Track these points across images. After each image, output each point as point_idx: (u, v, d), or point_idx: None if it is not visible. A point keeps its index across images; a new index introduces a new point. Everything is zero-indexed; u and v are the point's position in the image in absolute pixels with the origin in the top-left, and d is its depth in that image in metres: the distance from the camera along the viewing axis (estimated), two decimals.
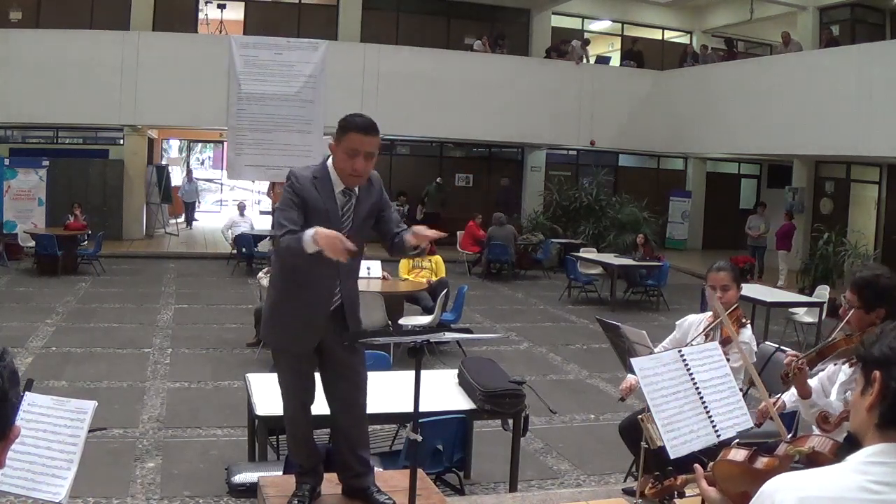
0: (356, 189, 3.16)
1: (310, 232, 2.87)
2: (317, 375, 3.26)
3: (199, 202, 22.55)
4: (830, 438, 1.92)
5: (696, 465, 2.02)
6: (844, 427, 2.72)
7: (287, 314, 3.15)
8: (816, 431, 2.82)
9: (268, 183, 16.23)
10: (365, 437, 3.35)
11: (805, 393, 3.12)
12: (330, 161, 3.16)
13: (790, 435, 3.71)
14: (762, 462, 1.89)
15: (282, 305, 3.18)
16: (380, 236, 3.35)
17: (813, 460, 1.81)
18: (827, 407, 3.04)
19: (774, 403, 3.36)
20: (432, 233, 3.15)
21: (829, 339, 3.14)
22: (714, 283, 4.01)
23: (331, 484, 3.37)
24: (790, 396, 3.32)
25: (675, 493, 2.45)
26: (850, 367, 3.05)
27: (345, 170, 3.07)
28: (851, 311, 3.07)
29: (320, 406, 3.28)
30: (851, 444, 1.51)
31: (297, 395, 3.21)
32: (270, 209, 15.21)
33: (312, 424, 3.34)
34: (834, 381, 3.18)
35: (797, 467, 1.73)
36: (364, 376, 3.26)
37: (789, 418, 4.09)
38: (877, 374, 1.42)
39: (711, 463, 2.01)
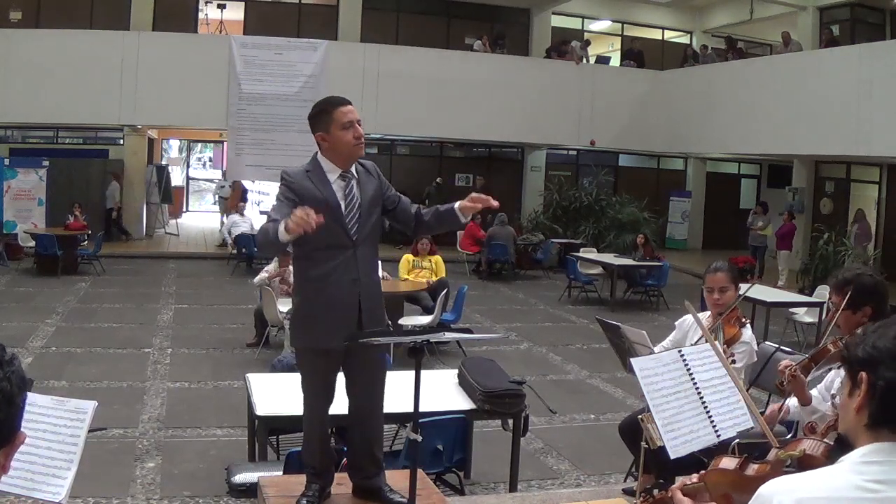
0: (354, 172, 3.19)
1: (284, 221, 2.87)
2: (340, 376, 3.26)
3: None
4: (822, 441, 1.91)
5: (677, 478, 2.01)
6: (833, 436, 2.70)
7: (310, 314, 3.17)
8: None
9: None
10: (380, 439, 3.38)
11: (805, 400, 3.10)
12: (319, 154, 3.19)
13: (790, 435, 3.70)
14: (754, 469, 1.88)
15: (304, 306, 3.21)
16: (400, 222, 3.39)
17: (805, 464, 1.80)
18: (828, 412, 3.03)
19: (780, 408, 3.36)
20: (486, 198, 3.15)
21: (820, 345, 3.13)
22: (712, 284, 3.95)
23: (335, 485, 3.36)
24: (795, 401, 3.31)
25: None
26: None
27: (349, 143, 3.11)
28: (838, 314, 3.06)
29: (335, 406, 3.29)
30: (843, 445, 1.51)
31: (317, 396, 3.20)
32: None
33: (328, 426, 3.35)
34: (831, 388, 3.16)
35: (789, 471, 1.73)
36: (383, 379, 3.28)
37: (790, 423, 4.07)
38: (863, 375, 1.41)
39: (702, 472, 1.99)
